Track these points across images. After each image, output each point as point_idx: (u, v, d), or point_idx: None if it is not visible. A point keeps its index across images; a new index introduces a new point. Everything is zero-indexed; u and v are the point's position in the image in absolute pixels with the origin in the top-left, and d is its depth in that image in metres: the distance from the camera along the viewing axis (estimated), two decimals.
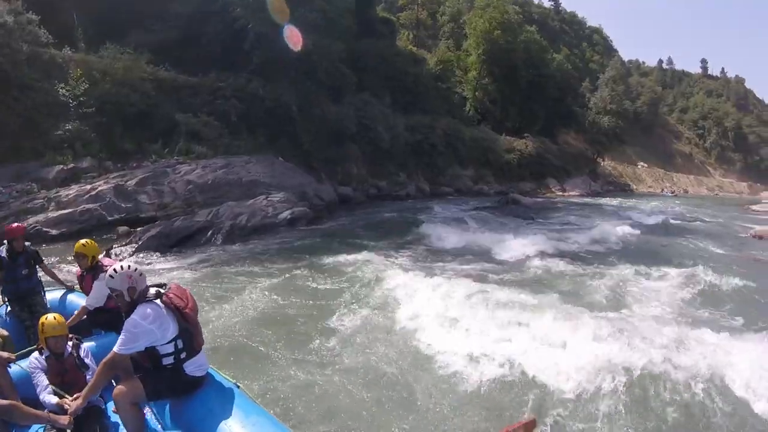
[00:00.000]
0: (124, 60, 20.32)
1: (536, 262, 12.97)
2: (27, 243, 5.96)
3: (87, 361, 4.22)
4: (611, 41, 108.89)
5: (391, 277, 10.28)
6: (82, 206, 14.99)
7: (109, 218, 15.08)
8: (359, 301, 9.04)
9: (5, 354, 4.14)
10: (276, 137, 23.47)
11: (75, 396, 3.69)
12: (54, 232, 14.13)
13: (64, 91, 18.31)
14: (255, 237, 14.83)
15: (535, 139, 43.87)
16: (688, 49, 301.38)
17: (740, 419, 5.30)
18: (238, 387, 3.84)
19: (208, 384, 3.80)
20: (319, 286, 10.04)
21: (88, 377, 4.04)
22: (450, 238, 15.92)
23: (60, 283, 6.14)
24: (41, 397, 3.87)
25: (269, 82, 23.85)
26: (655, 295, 10.01)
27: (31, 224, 13.96)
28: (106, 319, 4.90)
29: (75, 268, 5.96)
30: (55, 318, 4.11)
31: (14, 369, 4.16)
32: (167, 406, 3.76)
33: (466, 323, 7.66)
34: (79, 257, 5.24)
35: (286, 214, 16.50)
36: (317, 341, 7.26)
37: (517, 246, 14.61)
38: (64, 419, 3.50)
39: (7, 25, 17.45)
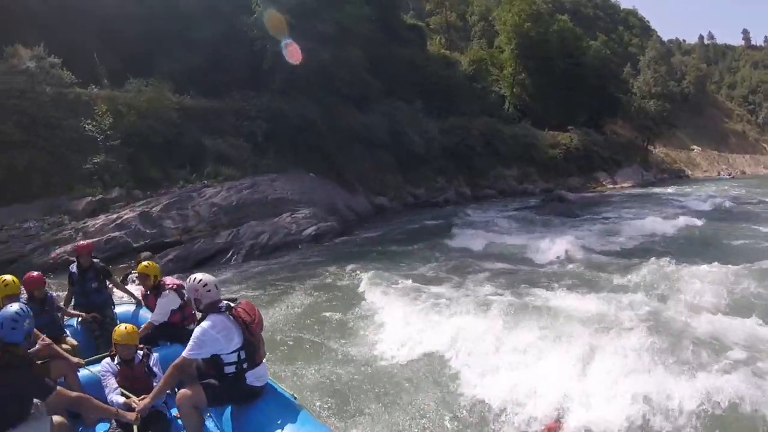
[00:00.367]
0: (148, 92, 20.57)
1: (569, 265, 11.96)
2: (95, 260, 6.46)
3: (155, 369, 4.51)
4: (648, 22, 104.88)
5: (396, 292, 9.57)
6: (108, 235, 15.07)
7: (135, 245, 14.96)
8: (358, 319, 8.45)
9: (75, 359, 4.58)
10: (305, 153, 23.19)
11: (142, 397, 3.99)
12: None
13: (90, 126, 18.56)
14: (276, 255, 14.52)
15: (580, 131, 41.97)
16: (728, 21, 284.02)
17: None
18: (295, 399, 4.07)
19: (266, 394, 4.00)
20: (325, 304, 9.54)
21: (154, 385, 4.23)
22: (478, 243, 15.25)
23: (130, 295, 6.69)
24: (109, 397, 4.17)
25: (292, 98, 23.65)
26: (711, 300, 8.29)
27: (59, 254, 14.32)
28: (170, 332, 5.35)
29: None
30: (125, 328, 4.47)
31: (83, 373, 4.56)
32: (227, 413, 3.97)
33: (482, 339, 6.84)
34: (142, 278, 5.66)
35: (311, 230, 16.15)
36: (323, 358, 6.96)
37: (551, 248, 13.63)
38: (131, 415, 3.75)
39: (29, 71, 18.09)
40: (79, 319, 6.02)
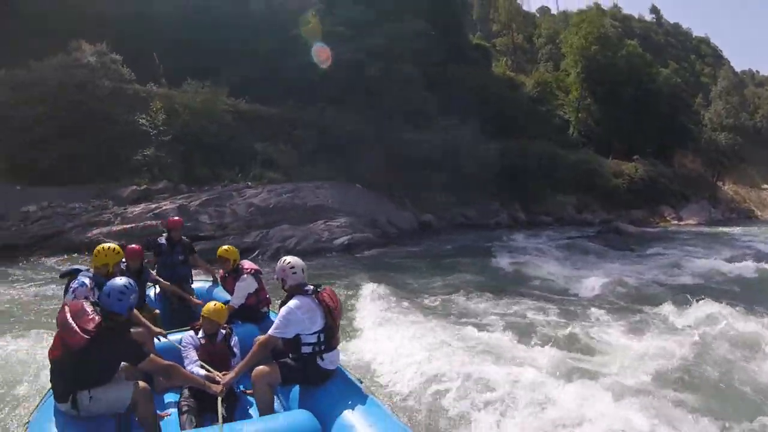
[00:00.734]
0: (204, 93, 21.12)
1: (610, 300, 10.88)
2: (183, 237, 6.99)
3: (235, 349, 4.69)
4: (720, 51, 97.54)
5: (400, 310, 9.06)
6: (144, 222, 15.37)
7: None
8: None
9: (157, 329, 4.94)
10: (354, 165, 23.02)
11: (224, 373, 4.21)
12: (115, 243, 14.46)
13: (143, 121, 19.34)
14: (303, 260, 14.17)
15: (646, 161, 39.79)
16: None
17: None
18: (362, 383, 4.24)
19: (336, 377, 4.15)
20: None
21: (232, 363, 4.49)
22: (515, 268, 14.39)
23: (209, 273, 7.12)
24: (189, 368, 4.30)
25: (343, 110, 23.74)
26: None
27: (95, 234, 14.79)
28: (246, 313, 5.65)
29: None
30: (215, 305, 4.72)
31: (163, 343, 4.88)
32: (295, 392, 4.14)
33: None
34: (221, 261, 6.02)
35: (344, 239, 15.83)
36: None
37: (594, 281, 12.48)
38: (216, 388, 3.96)
39: (90, 65, 19.30)
40: (158, 289, 6.45)
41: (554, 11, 77.98)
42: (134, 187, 17.44)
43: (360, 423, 3.54)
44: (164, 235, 6.95)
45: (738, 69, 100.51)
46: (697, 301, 9.63)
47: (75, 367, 3.43)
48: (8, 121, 17.58)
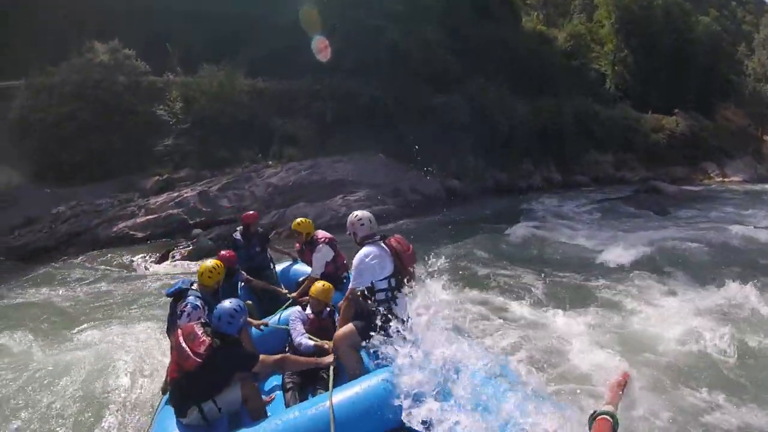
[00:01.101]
0: (220, 76, 21.02)
1: (631, 277, 10.14)
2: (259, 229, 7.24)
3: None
4: None
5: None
6: (167, 212, 15.59)
7: (190, 222, 15.40)
8: None
9: (259, 321, 5.29)
10: (376, 134, 22.47)
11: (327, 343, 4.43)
12: (140, 235, 15.03)
13: (161, 111, 19.61)
14: None
15: (687, 115, 37.64)
16: None
17: None
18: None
19: None
20: None
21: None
22: (538, 239, 13.97)
23: (286, 254, 7.39)
24: (298, 339, 4.66)
25: (364, 79, 23.07)
26: None
27: (120, 228, 15.12)
28: (327, 281, 5.40)
29: None
30: (323, 285, 4.92)
31: (270, 327, 5.26)
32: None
33: None
34: (296, 234, 6.32)
35: None
36: None
37: (619, 253, 11.92)
38: (328, 359, 4.17)
39: (104, 63, 19.59)
40: (242, 284, 6.52)
41: None
42: (156, 177, 17.70)
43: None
44: (239, 229, 7.15)
45: None
46: (727, 281, 8.90)
47: (192, 386, 3.74)
48: (33, 126, 18.28)
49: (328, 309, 4.95)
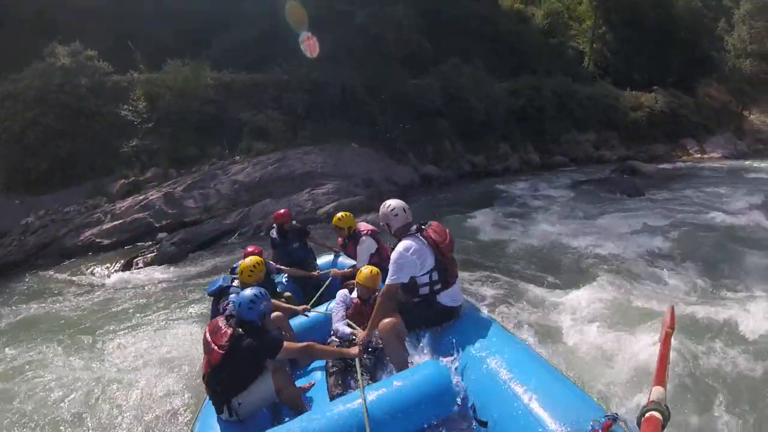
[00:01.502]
0: (184, 71, 20.54)
1: (596, 264, 9.97)
2: (294, 222, 7.30)
3: None
4: None
5: None
6: (132, 216, 15.18)
7: (157, 225, 15.03)
8: None
9: (301, 306, 5.42)
10: (349, 123, 22.19)
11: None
12: (106, 242, 14.62)
13: (125, 111, 19.17)
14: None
15: (667, 92, 37.41)
16: None
17: None
18: (494, 321, 4.16)
19: (463, 315, 4.15)
20: None
21: None
22: (499, 229, 13.60)
23: (327, 247, 7.45)
24: (335, 325, 4.66)
25: (334, 66, 22.66)
26: None
27: (87, 236, 14.74)
28: None
29: None
30: (371, 271, 4.81)
31: (314, 316, 5.27)
32: (426, 337, 4.14)
33: None
34: (337, 230, 6.31)
35: (330, 206, 15.22)
36: None
37: (582, 245, 11.59)
38: (354, 350, 4.12)
39: (66, 66, 19.03)
40: (285, 277, 6.77)
41: None
42: (123, 180, 17.29)
43: (496, 359, 3.45)
44: (274, 227, 7.25)
45: None
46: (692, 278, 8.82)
47: (221, 380, 3.78)
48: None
49: (376, 294, 4.70)
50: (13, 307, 10.17)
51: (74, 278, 12.23)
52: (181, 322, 8.23)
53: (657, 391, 1.95)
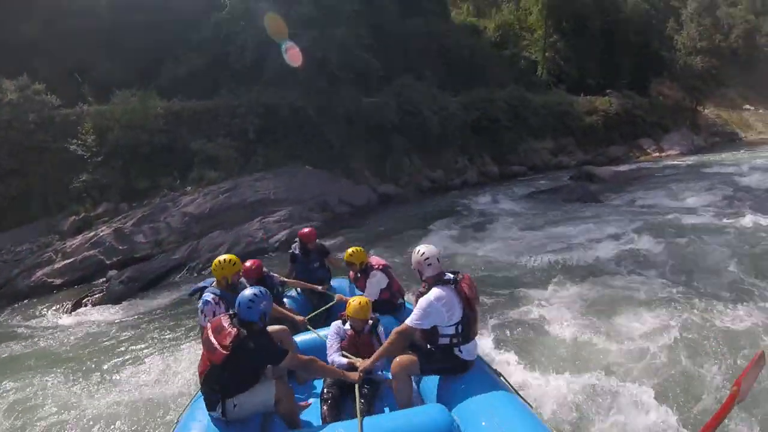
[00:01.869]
0: (133, 102, 20.39)
1: (547, 279, 10.11)
2: (317, 241, 7.37)
3: (381, 337, 4.77)
4: None
5: None
6: (83, 254, 14.88)
7: (108, 262, 14.76)
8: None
9: (300, 317, 5.59)
10: (303, 146, 22.33)
11: (364, 360, 4.30)
12: (57, 281, 14.36)
13: (73, 146, 18.90)
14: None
15: (620, 94, 38.53)
16: None
17: None
18: (501, 376, 4.29)
19: (475, 368, 4.16)
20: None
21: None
22: (455, 241, 14.12)
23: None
24: (331, 357, 4.60)
25: (285, 90, 22.77)
26: None
27: (39, 277, 14.43)
28: (382, 306, 5.78)
29: None
30: (360, 302, 4.77)
31: (310, 338, 5.26)
32: (434, 382, 4.20)
33: None
34: (349, 265, 6.31)
35: (281, 234, 15.18)
36: None
37: (536, 252, 12.02)
38: (353, 375, 4.13)
39: (13, 102, 18.70)
40: (299, 289, 7.04)
41: None
42: (74, 217, 17.05)
43: (497, 419, 3.50)
44: (296, 243, 7.36)
45: None
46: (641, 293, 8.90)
47: (220, 379, 3.77)
48: None
49: (370, 322, 4.83)
50: None
51: (27, 322, 12.01)
52: (128, 364, 8.17)
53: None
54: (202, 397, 4.02)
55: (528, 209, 19.33)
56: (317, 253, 7.28)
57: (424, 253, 4.22)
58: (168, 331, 9.54)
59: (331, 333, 4.83)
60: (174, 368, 7.58)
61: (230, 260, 5.13)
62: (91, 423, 6.30)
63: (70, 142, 18.99)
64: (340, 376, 4.21)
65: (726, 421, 4.72)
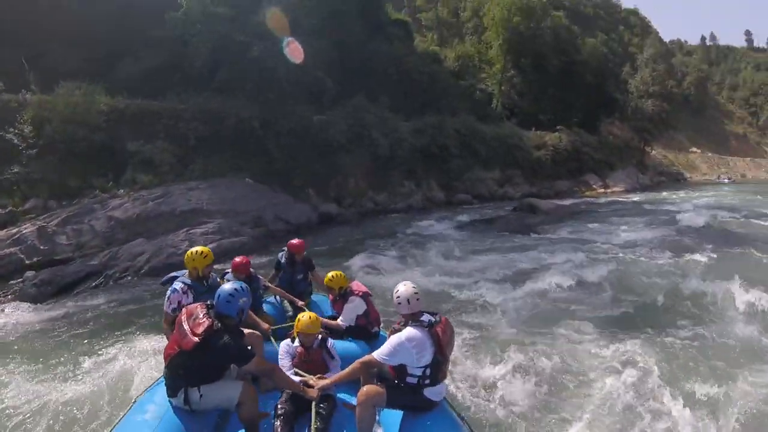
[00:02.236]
0: (77, 96, 19.95)
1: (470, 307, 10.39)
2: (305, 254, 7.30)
3: (332, 352, 4.84)
4: (649, 22, 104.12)
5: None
6: (3, 251, 14.33)
7: (27, 261, 14.32)
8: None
9: (265, 325, 5.54)
10: (246, 158, 22.34)
11: (319, 376, 4.39)
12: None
13: (10, 135, 18.28)
14: (154, 278, 13.67)
15: (570, 131, 40.10)
16: (730, 22, 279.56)
17: None
18: (464, 420, 4.34)
19: (440, 409, 4.20)
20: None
21: (330, 367, 4.69)
22: (376, 270, 13.97)
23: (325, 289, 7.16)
24: None
25: (232, 98, 22.84)
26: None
27: None
28: (357, 333, 5.88)
29: None
30: (309, 317, 4.76)
31: (268, 347, 5.14)
32: (397, 417, 4.13)
33: None
34: (329, 288, 6.21)
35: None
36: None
37: (454, 280, 12.33)
38: (312, 392, 4.15)
39: None
40: (278, 297, 7.04)
41: None
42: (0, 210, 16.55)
43: None
44: (284, 251, 7.27)
45: (667, 39, 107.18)
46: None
47: (186, 366, 3.78)
48: None
49: (319, 337, 4.81)
50: None
51: None
52: (37, 372, 7.79)
53: None
54: (164, 382, 4.02)
55: (463, 237, 19.65)
56: (303, 265, 7.23)
57: (398, 292, 4.25)
58: (76, 339, 9.32)
59: (281, 352, 4.79)
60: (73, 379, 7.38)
61: (202, 252, 5.27)
62: None
63: (6, 131, 18.47)
64: (300, 391, 4.20)
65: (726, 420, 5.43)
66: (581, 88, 43.16)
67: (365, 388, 4.04)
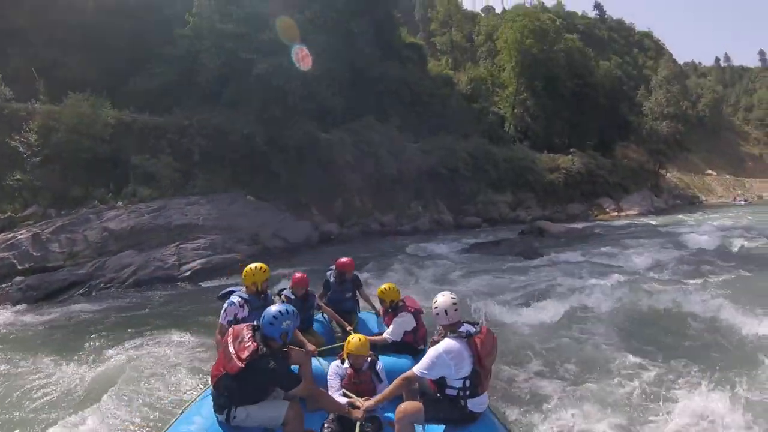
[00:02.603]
0: (84, 107, 20.17)
1: None
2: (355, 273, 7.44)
3: (381, 375, 4.77)
4: (663, 44, 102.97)
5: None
6: None
7: (19, 266, 14.41)
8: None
9: (311, 347, 5.26)
10: (250, 174, 22.44)
11: (366, 398, 4.31)
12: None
13: (16, 143, 18.57)
14: (134, 290, 13.79)
15: (584, 154, 39.62)
16: (744, 43, 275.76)
17: None
18: (508, 430, 4.28)
19: (483, 421, 4.11)
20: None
21: (378, 390, 4.57)
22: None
23: (374, 308, 7.39)
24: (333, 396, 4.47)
25: (238, 114, 22.97)
26: None
27: None
28: (403, 348, 5.82)
29: None
30: (359, 339, 4.74)
31: (315, 367, 4.79)
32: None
33: None
34: (381, 301, 6.29)
35: (195, 264, 15.10)
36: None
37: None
38: (357, 413, 4.13)
39: None
40: (326, 316, 7.00)
41: (498, 11, 77.48)
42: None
43: None
44: (332, 269, 7.34)
45: (681, 61, 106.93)
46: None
47: (232, 389, 3.80)
48: None
49: (369, 360, 4.80)
50: None
51: None
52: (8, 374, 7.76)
53: None
54: (211, 397, 4.05)
55: (466, 260, 19.04)
56: (352, 283, 7.33)
57: (436, 301, 4.22)
58: (52, 343, 9.30)
59: (330, 373, 4.81)
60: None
61: (261, 267, 5.33)
62: None
63: (12, 138, 18.80)
64: (345, 413, 4.19)
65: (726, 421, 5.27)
66: (595, 110, 42.83)
67: (402, 405, 4.04)
